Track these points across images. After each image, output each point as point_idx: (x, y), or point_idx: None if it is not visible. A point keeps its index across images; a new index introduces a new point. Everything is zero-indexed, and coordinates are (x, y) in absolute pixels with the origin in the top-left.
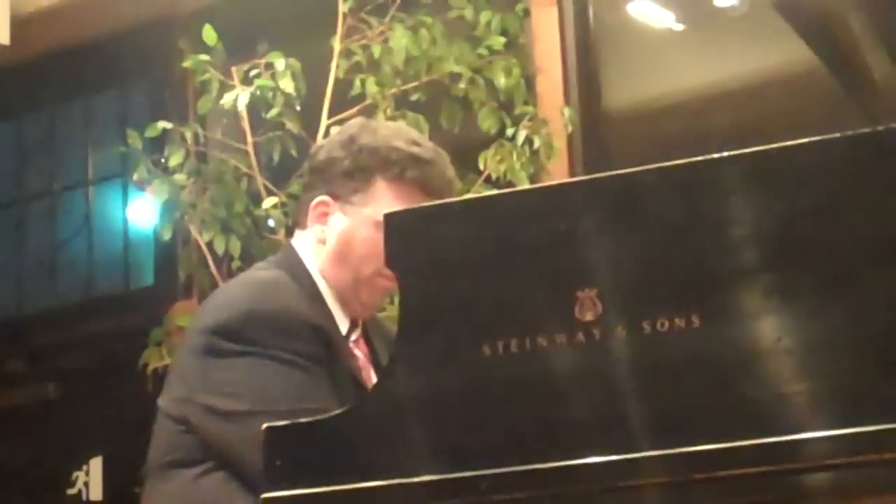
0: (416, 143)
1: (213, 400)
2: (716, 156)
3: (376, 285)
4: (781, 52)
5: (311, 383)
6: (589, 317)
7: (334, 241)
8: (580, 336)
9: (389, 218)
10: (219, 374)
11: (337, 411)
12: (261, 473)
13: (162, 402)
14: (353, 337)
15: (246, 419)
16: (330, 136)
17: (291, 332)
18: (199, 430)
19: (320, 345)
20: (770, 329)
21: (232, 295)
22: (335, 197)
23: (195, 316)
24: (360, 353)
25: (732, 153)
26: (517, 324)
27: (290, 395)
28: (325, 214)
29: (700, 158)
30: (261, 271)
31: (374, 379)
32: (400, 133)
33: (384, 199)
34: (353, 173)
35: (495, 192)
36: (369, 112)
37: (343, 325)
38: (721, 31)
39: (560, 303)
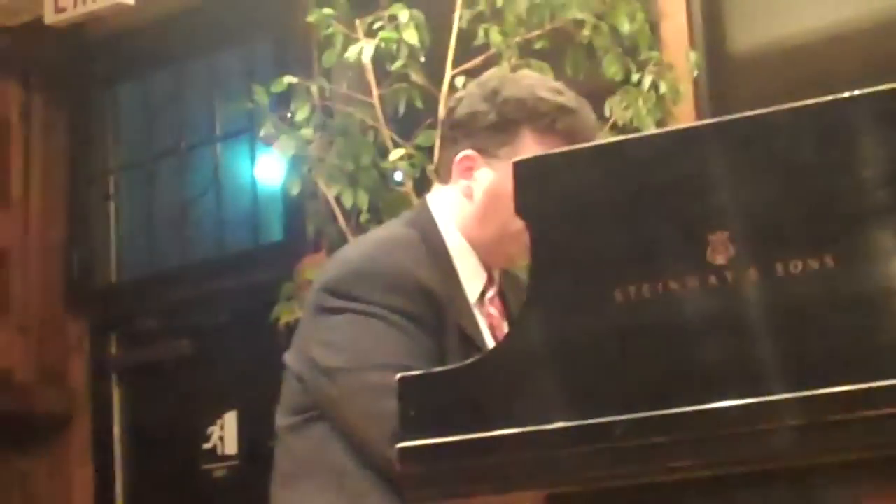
0: (560, 93)
1: (316, 355)
2: (847, 94)
3: (523, 238)
4: None
5: (407, 343)
6: (721, 260)
7: (481, 196)
8: (712, 279)
9: (518, 166)
10: (324, 329)
11: (470, 360)
12: (354, 429)
13: (287, 358)
14: (489, 295)
15: (340, 375)
16: (467, 89)
17: (397, 291)
18: (310, 386)
19: (428, 308)
20: None
21: (349, 252)
22: (481, 151)
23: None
24: (494, 310)
25: (863, 92)
26: (648, 269)
27: (385, 354)
28: (471, 169)
29: (831, 98)
30: (385, 230)
31: None
32: (543, 83)
33: (532, 152)
34: (499, 126)
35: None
36: (493, 62)
37: (477, 285)
38: None
39: (692, 246)
